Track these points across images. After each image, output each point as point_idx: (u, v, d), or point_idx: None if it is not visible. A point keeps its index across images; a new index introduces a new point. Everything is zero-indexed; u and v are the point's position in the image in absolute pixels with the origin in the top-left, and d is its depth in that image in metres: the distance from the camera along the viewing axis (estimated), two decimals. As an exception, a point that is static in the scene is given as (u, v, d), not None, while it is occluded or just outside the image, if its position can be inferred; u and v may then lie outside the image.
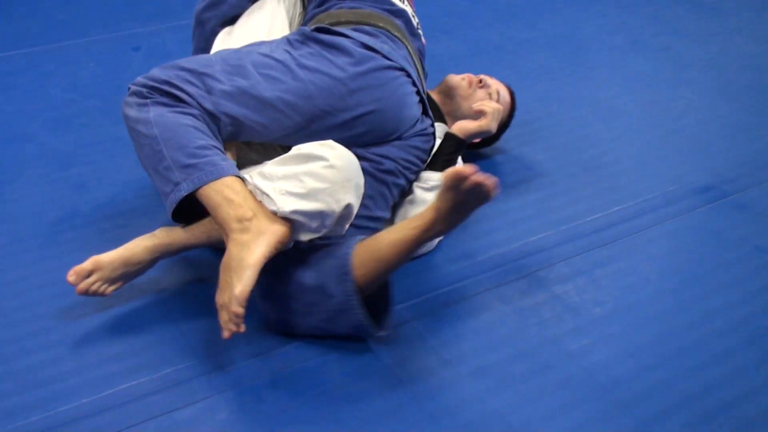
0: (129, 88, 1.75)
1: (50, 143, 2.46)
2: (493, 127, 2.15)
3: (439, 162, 2.05)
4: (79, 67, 2.93)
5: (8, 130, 2.52)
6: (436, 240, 2.05)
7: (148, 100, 1.71)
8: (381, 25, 1.96)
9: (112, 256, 1.75)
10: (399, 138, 1.90)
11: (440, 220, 1.59)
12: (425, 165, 2.05)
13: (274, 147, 1.94)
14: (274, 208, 1.61)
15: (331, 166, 1.63)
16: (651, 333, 1.85)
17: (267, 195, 1.62)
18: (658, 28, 3.47)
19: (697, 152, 2.58)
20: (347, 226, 1.72)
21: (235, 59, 1.80)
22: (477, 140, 2.22)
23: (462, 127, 2.11)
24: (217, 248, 1.85)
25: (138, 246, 1.77)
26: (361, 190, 1.73)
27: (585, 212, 2.25)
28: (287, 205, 1.61)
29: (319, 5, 2.07)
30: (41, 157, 2.39)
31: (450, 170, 1.52)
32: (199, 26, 2.16)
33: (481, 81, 2.30)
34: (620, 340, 1.82)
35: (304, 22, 2.10)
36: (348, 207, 1.67)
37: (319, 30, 1.88)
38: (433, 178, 2.03)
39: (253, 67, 1.78)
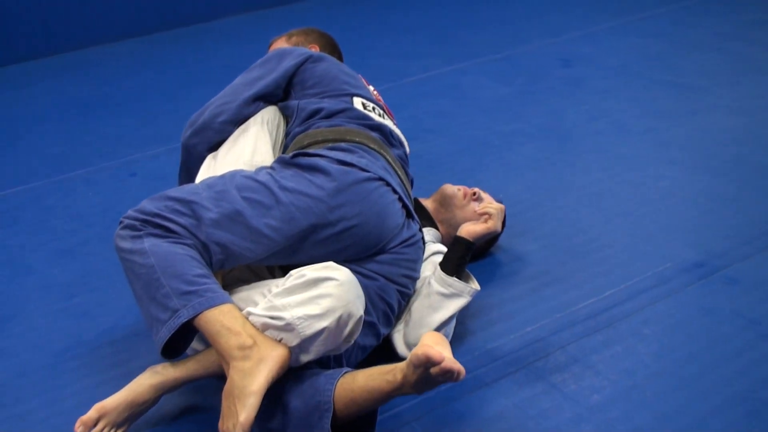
0: (121, 222, 1.79)
1: (53, 274, 2.53)
2: (499, 226, 2.20)
3: (451, 265, 2.06)
4: (80, 198, 3.03)
5: (12, 264, 2.60)
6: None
7: (141, 232, 1.75)
8: (357, 140, 2.02)
9: (116, 400, 1.75)
10: (384, 250, 1.92)
11: (408, 387, 1.62)
12: (438, 268, 2.06)
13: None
14: (295, 339, 1.63)
15: (341, 284, 1.66)
16: (650, 416, 1.85)
17: (285, 324, 1.63)
18: (639, 111, 3.56)
19: (685, 230, 2.62)
20: (353, 341, 1.72)
21: (220, 185, 1.85)
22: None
23: (470, 230, 2.14)
24: (219, 377, 1.84)
25: (142, 386, 1.78)
26: (364, 305, 1.74)
27: (579, 298, 2.29)
28: (308, 329, 1.63)
29: (301, 124, 2.14)
30: (44, 289, 2.45)
31: (420, 353, 1.54)
32: (186, 152, 2.20)
33: (475, 193, 2.37)
34: (620, 425, 1.83)
35: (287, 141, 2.17)
36: (359, 320, 1.70)
37: (296, 156, 1.94)
38: (454, 284, 2.02)
39: (237, 191, 1.83)
